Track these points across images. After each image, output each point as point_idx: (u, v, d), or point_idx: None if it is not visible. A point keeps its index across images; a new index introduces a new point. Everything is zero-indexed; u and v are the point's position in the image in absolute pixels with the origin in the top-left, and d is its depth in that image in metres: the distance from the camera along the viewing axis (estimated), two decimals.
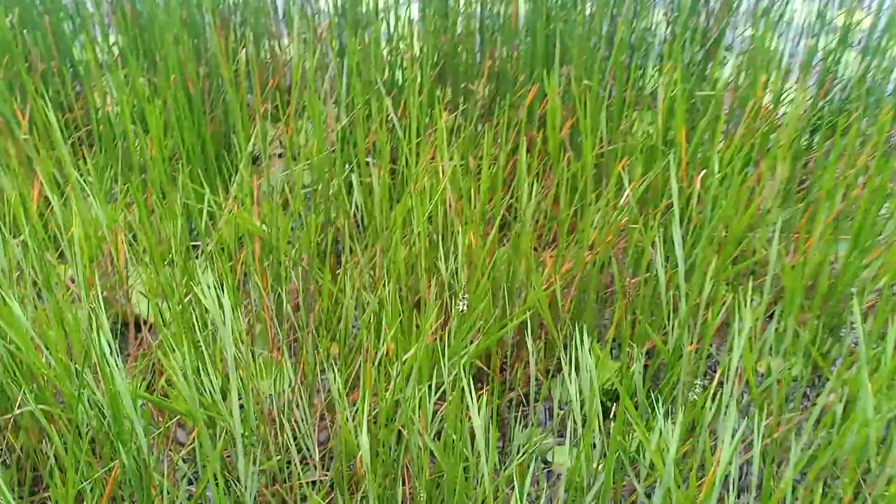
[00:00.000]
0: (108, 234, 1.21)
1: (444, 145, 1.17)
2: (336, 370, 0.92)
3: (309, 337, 1.08)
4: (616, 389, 1.25)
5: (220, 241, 1.30)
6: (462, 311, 0.99)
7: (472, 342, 1.13)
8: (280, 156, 1.86)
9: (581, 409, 0.98)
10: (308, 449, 1.05)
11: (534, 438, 1.13)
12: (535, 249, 1.46)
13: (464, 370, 1.10)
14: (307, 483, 1.02)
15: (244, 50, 1.61)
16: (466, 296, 1.00)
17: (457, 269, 1.16)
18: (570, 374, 1.08)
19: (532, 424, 1.16)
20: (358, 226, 1.49)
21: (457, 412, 1.02)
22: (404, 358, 0.96)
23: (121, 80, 1.42)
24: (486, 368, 1.24)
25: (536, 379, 1.23)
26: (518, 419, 1.21)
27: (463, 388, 0.88)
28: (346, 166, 1.52)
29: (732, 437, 1.01)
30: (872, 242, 1.29)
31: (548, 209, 1.50)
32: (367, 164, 1.58)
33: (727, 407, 0.91)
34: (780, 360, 1.16)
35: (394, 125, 1.58)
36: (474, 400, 0.81)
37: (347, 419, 0.93)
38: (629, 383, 1.12)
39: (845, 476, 0.89)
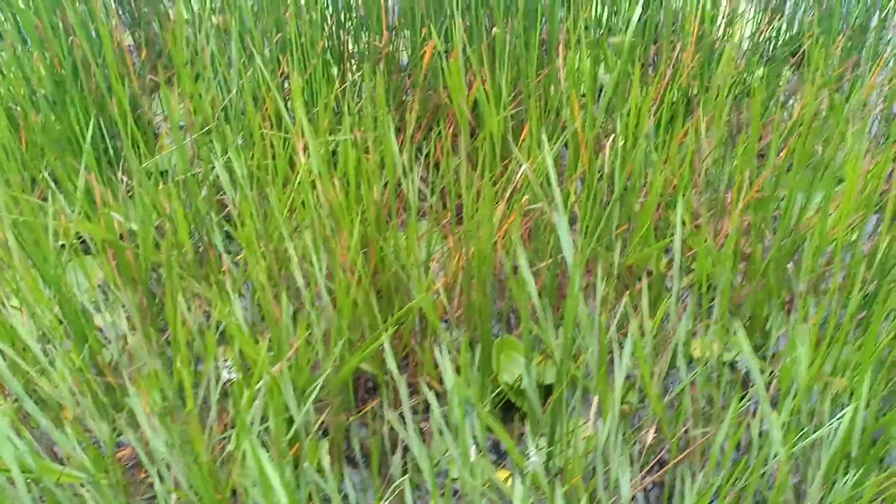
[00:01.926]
0: None
1: (303, 118, 1.01)
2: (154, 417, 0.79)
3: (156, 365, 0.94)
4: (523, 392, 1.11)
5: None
6: (230, 379, 0.85)
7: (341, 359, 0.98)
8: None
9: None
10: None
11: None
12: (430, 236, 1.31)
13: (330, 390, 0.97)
14: None
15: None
16: (229, 363, 0.85)
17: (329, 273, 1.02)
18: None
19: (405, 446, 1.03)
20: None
21: (311, 453, 0.89)
22: (243, 397, 0.82)
23: None
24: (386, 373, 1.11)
25: (434, 389, 1.09)
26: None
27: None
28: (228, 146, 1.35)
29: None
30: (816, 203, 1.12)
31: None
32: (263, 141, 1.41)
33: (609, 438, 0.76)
34: (714, 345, 1.01)
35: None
36: (268, 454, 0.67)
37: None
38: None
39: None
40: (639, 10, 1.10)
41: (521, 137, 1.18)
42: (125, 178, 1.41)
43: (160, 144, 1.57)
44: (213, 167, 1.27)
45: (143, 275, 1.20)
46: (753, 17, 1.60)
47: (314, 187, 1.06)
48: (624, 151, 1.06)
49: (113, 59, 1.34)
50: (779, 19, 1.55)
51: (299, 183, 1.04)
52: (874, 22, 1.51)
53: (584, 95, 1.41)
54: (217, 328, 1.07)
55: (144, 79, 1.69)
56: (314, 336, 0.97)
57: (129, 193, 1.44)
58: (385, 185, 1.12)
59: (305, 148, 1.06)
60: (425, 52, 1.35)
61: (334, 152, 1.38)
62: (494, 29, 1.31)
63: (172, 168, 1.45)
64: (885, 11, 1.49)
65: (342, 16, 1.55)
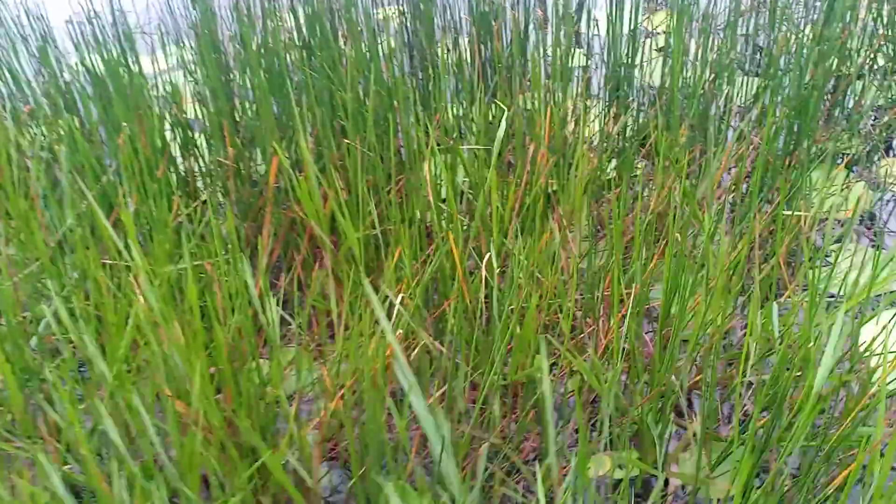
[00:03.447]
0: None
1: (138, 255, 0.91)
2: None
3: None
4: None
5: None
6: None
7: None
8: None
9: None
10: None
11: None
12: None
13: None
14: None
15: None
16: None
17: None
18: None
19: None
20: None
21: None
22: None
23: None
24: None
25: None
26: None
27: None
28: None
29: None
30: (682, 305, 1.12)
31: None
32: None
33: None
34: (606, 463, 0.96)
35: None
36: None
37: None
38: None
39: None
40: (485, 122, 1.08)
41: (393, 258, 1.13)
42: None
43: None
44: (48, 310, 1.14)
45: None
46: (599, 114, 1.64)
47: (157, 327, 0.95)
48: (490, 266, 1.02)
49: None
50: (625, 113, 1.59)
51: (137, 325, 0.93)
52: (713, 110, 1.57)
53: (444, 201, 1.38)
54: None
55: None
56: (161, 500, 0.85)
57: None
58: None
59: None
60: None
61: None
62: (346, 141, 1.27)
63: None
64: (723, 99, 1.55)
65: (186, 134, 1.47)
